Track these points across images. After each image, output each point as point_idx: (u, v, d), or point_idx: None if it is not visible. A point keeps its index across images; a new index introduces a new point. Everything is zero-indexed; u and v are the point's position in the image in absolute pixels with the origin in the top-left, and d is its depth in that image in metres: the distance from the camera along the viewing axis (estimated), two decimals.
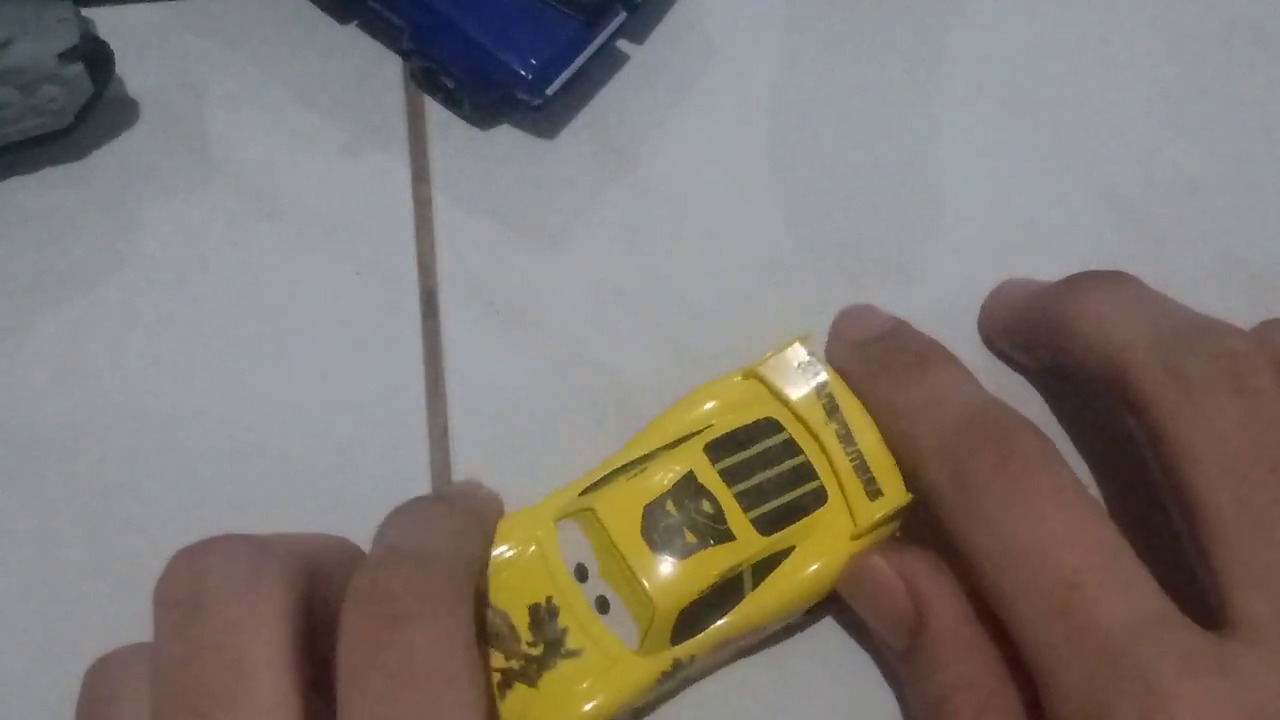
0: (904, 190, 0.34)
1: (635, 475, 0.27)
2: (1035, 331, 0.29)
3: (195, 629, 0.21)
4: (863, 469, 0.28)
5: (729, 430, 0.28)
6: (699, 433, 0.28)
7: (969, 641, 0.25)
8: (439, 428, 0.31)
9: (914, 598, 0.26)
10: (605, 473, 0.28)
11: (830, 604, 0.28)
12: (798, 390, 0.29)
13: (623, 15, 0.34)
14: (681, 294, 0.33)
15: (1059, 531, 0.23)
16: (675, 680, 0.27)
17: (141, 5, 0.36)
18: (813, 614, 0.29)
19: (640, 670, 0.26)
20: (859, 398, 0.28)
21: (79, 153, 0.34)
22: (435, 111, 0.35)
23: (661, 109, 0.35)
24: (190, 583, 0.22)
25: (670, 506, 0.27)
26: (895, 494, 0.27)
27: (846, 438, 0.28)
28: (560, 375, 0.32)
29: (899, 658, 0.27)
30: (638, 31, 0.36)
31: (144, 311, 0.32)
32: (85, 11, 0.32)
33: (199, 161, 0.34)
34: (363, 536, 0.30)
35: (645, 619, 0.26)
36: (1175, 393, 0.25)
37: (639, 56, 0.36)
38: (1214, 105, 0.36)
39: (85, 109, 0.33)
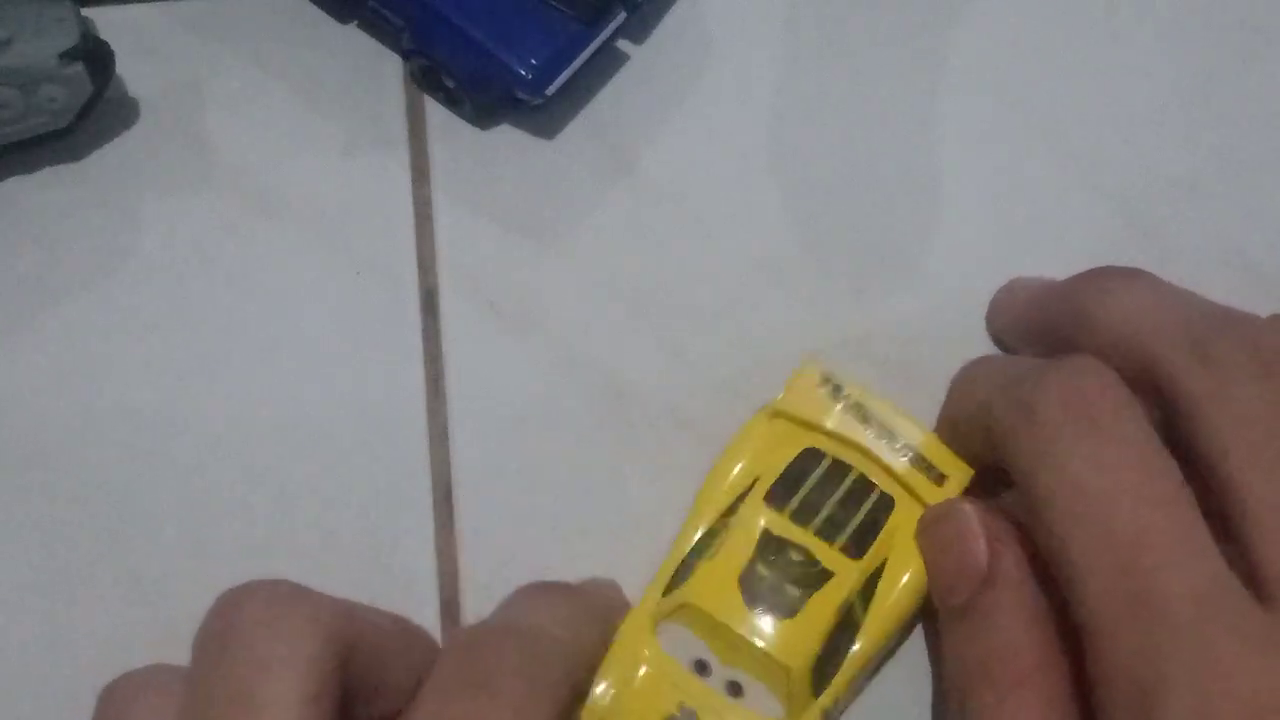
0: (904, 190, 0.34)
1: (713, 555, 0.27)
2: (1052, 325, 0.29)
3: (218, 664, 0.21)
4: (919, 460, 0.28)
5: (778, 475, 0.28)
6: (749, 489, 0.28)
7: (1029, 611, 0.25)
8: (439, 428, 0.31)
9: (990, 553, 0.26)
10: (675, 566, 0.28)
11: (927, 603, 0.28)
12: (825, 412, 0.29)
13: (623, 15, 0.34)
14: (681, 294, 0.33)
15: (1133, 485, 0.23)
16: None
17: (141, 5, 0.36)
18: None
19: None
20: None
21: (79, 153, 0.34)
22: (435, 111, 0.35)
23: (661, 109, 0.35)
24: (223, 619, 0.21)
25: (762, 569, 0.27)
26: (959, 472, 0.28)
27: (889, 437, 0.28)
28: (560, 375, 0.32)
29: (949, 615, 0.26)
30: (638, 31, 0.36)
31: (144, 311, 0.32)
32: (85, 11, 0.32)
33: (199, 161, 0.34)
34: (362, 536, 0.30)
35: (783, 686, 0.26)
36: (1207, 378, 0.24)
37: (639, 56, 0.36)
38: (1214, 105, 0.36)
39: (85, 109, 0.33)
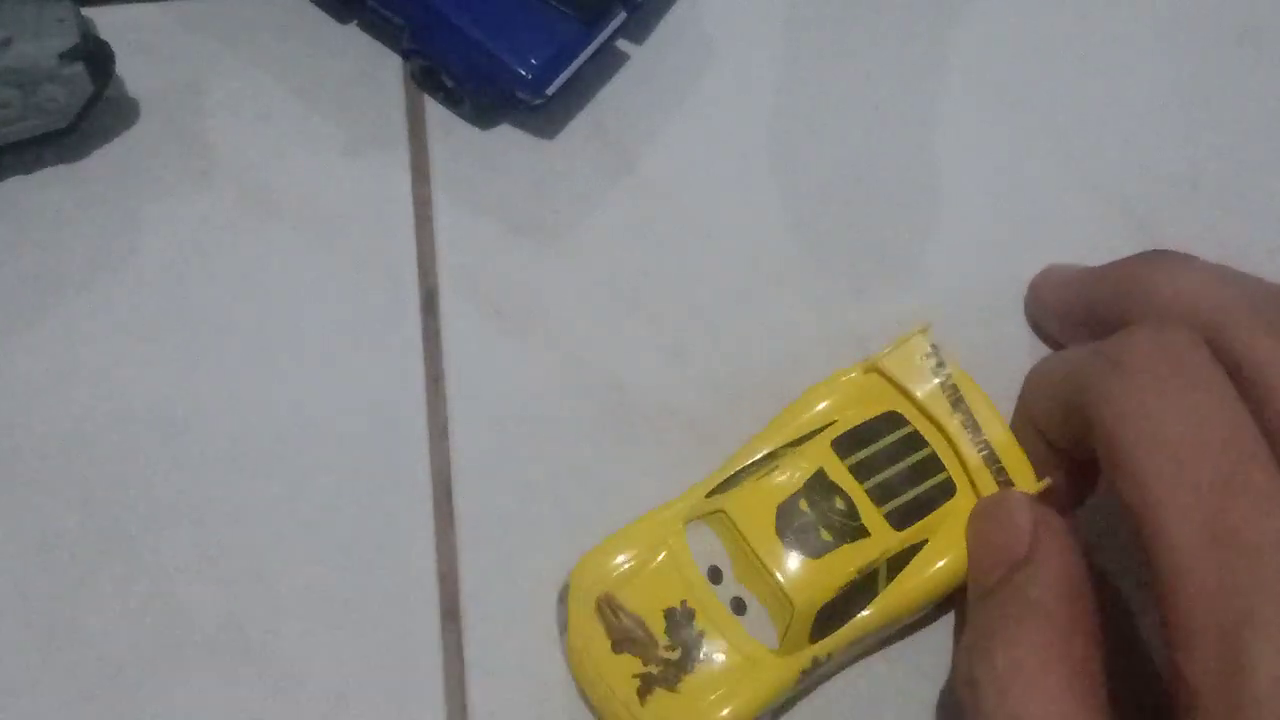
0: (904, 189, 0.34)
1: (763, 475, 0.27)
2: (1099, 307, 0.29)
3: None
4: (992, 459, 0.28)
5: (853, 426, 0.28)
6: (822, 430, 0.28)
7: (1064, 588, 0.25)
8: (439, 428, 0.31)
9: (1033, 535, 0.26)
10: (728, 474, 0.28)
11: (958, 596, 0.28)
12: (921, 383, 0.28)
13: (623, 15, 0.34)
14: (681, 294, 0.33)
15: (1219, 430, 0.23)
16: (813, 678, 0.27)
17: (141, 5, 0.36)
18: (941, 606, 0.29)
19: (780, 670, 0.26)
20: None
21: (79, 153, 0.34)
22: (435, 111, 0.35)
23: (661, 109, 0.35)
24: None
25: (803, 505, 0.27)
26: (1026, 484, 0.28)
27: (973, 428, 0.28)
28: (560, 375, 0.32)
29: (979, 596, 0.26)
30: (638, 31, 0.36)
31: (144, 311, 0.32)
32: (85, 11, 0.32)
33: (199, 161, 0.34)
34: (362, 536, 0.30)
35: (784, 619, 0.26)
36: (1277, 347, 0.24)
37: (639, 56, 0.36)
38: (1214, 105, 0.36)
39: (85, 109, 0.33)
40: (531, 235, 0.33)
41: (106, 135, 0.34)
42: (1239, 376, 0.25)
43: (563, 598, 0.28)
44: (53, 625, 0.29)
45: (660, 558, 0.28)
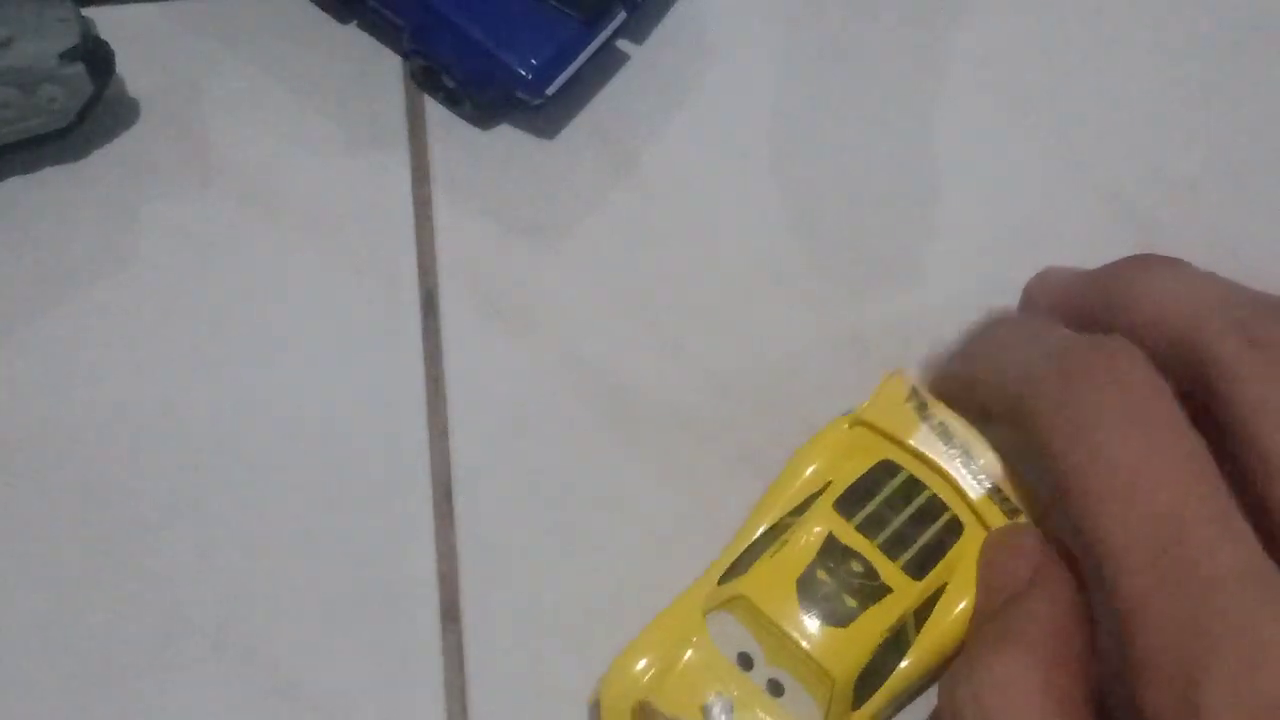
0: (904, 190, 0.34)
1: (774, 552, 0.27)
2: (1087, 311, 0.29)
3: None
4: (995, 491, 0.27)
5: (851, 483, 0.28)
6: (820, 493, 0.28)
7: (1064, 605, 0.25)
8: (439, 428, 0.31)
9: (1038, 564, 0.25)
10: (735, 556, 0.28)
11: None
12: (909, 428, 0.28)
13: (623, 15, 0.34)
14: (681, 294, 0.33)
15: (1168, 463, 0.23)
16: None
17: (141, 5, 0.36)
18: None
19: None
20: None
21: (79, 153, 0.34)
22: (435, 111, 0.35)
23: (661, 109, 0.35)
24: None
25: (821, 574, 0.26)
26: (1030, 509, 0.27)
27: (969, 463, 0.28)
28: (560, 375, 0.32)
29: (981, 620, 0.26)
30: (638, 31, 0.36)
31: (144, 311, 0.32)
32: (85, 11, 0.32)
33: (199, 161, 0.34)
34: (362, 536, 0.30)
35: (825, 693, 0.26)
36: (1254, 357, 0.24)
37: (639, 56, 0.36)
38: (1214, 105, 0.36)
39: (85, 109, 0.33)
40: (531, 235, 0.33)
41: (106, 135, 0.34)
42: (1212, 386, 0.25)
43: (594, 713, 0.28)
44: (53, 625, 0.29)
45: (688, 655, 0.27)
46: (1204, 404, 0.25)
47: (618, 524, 0.30)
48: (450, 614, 0.29)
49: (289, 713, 0.28)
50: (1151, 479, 0.23)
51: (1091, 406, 0.24)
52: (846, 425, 0.29)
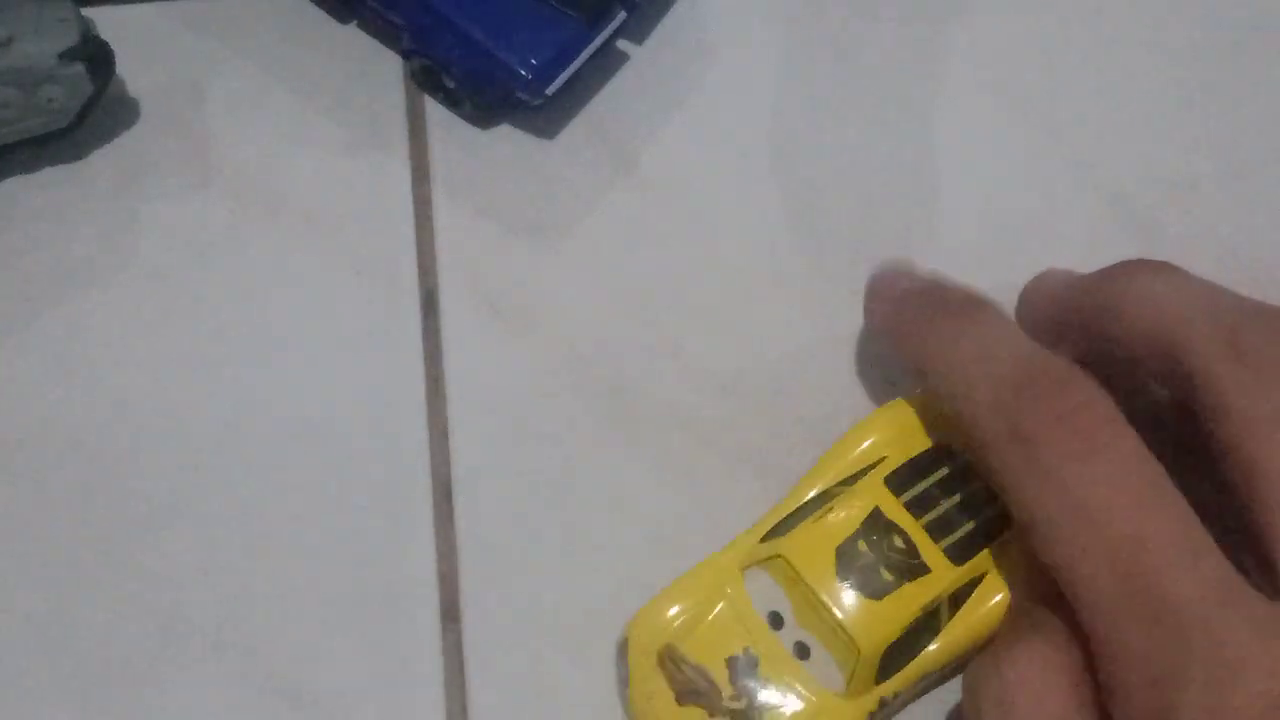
0: (904, 190, 0.34)
1: (819, 517, 0.27)
2: (1081, 317, 0.29)
3: None
4: None
5: (905, 461, 0.28)
6: (873, 466, 0.28)
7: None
8: (439, 428, 0.31)
9: None
10: (780, 517, 0.28)
11: None
12: None
13: (623, 15, 0.34)
14: (681, 294, 0.33)
15: (1127, 491, 0.23)
16: (880, 718, 0.27)
17: (141, 5, 0.36)
18: None
19: (848, 713, 0.26)
20: (905, 355, 0.28)
21: (79, 153, 0.34)
22: (435, 111, 0.35)
23: (661, 109, 0.35)
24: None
25: (862, 545, 0.27)
26: None
27: None
28: (560, 375, 0.32)
29: (1013, 617, 0.27)
30: (638, 31, 0.36)
31: (144, 311, 0.32)
32: (85, 11, 0.32)
33: (199, 161, 0.34)
34: (362, 536, 0.30)
35: (850, 662, 0.26)
36: (1238, 367, 0.24)
37: (639, 56, 0.36)
38: (1214, 105, 0.36)
39: (85, 109, 0.33)
40: (531, 235, 0.33)
41: (106, 135, 0.34)
42: (1196, 394, 0.25)
43: (621, 652, 0.28)
44: (52, 625, 0.29)
45: (719, 607, 0.27)
46: (1191, 410, 0.25)
47: (618, 524, 0.30)
48: (450, 614, 0.29)
49: (289, 713, 0.28)
50: (1112, 508, 0.23)
51: (1045, 442, 0.24)
52: (910, 404, 0.29)
